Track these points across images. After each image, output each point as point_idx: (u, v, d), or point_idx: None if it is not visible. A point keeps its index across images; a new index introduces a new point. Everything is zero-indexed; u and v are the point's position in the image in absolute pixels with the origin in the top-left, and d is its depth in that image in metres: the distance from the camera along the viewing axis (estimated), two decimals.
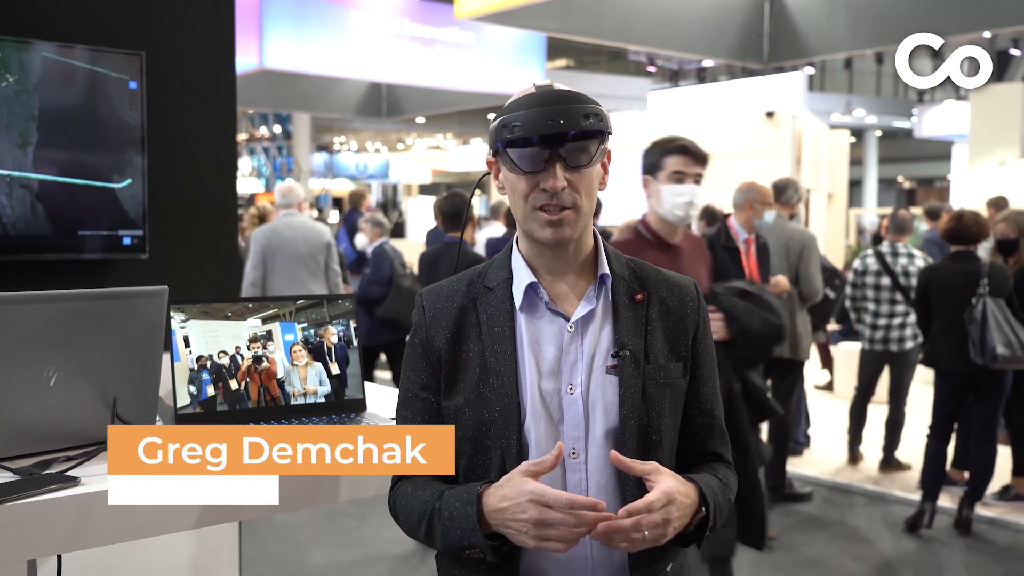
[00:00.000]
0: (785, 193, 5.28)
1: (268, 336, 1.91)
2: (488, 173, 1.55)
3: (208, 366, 1.84)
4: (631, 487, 1.39)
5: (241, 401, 1.86)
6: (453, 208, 5.09)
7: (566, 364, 1.42)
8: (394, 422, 1.86)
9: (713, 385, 1.53)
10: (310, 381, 1.93)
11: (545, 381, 1.42)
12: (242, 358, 1.87)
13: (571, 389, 1.42)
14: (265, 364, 1.89)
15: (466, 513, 1.32)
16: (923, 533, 4.80)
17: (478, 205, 24.84)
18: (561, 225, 1.40)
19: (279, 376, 1.90)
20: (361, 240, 8.19)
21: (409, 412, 1.50)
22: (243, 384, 1.87)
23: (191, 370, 1.83)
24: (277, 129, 27.75)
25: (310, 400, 1.92)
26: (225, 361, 1.86)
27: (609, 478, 1.41)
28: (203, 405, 1.83)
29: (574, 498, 1.28)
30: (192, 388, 1.82)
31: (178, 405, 1.82)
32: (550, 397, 1.42)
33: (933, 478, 4.84)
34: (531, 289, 1.45)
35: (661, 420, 1.44)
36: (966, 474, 5.12)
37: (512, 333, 1.44)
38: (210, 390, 1.84)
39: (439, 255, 5.05)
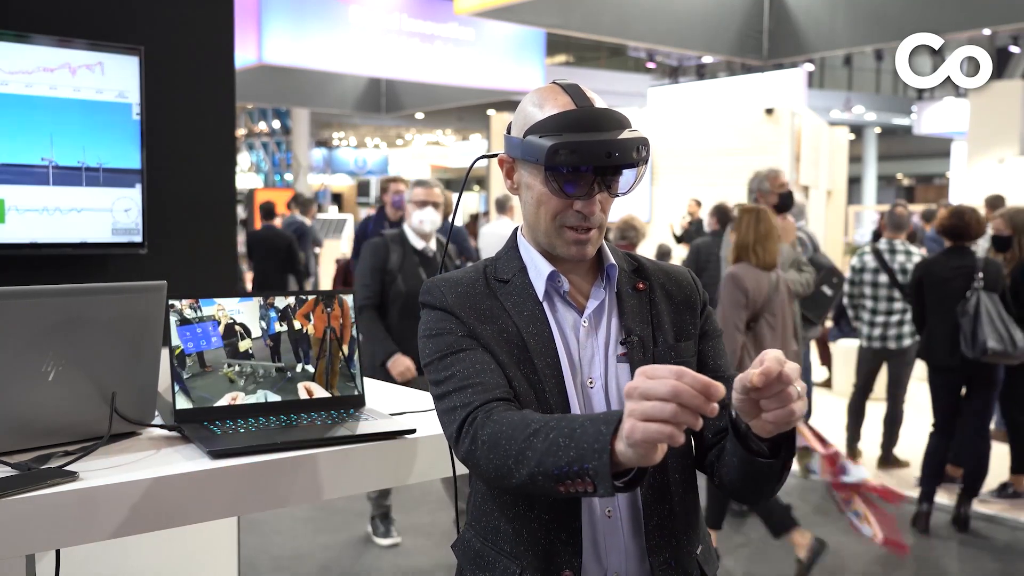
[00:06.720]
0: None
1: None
2: (474, 164, 1.56)
3: (276, 304, 1.88)
4: (647, 485, 1.39)
5: (303, 342, 1.88)
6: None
7: (584, 357, 1.43)
8: (389, 417, 1.88)
9: (727, 360, 1.53)
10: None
11: (571, 373, 1.42)
12: (303, 300, 1.90)
13: (591, 382, 1.42)
14: (332, 309, 1.92)
15: (596, 432, 1.13)
16: (921, 530, 4.81)
17: (476, 201, 24.85)
18: (586, 244, 1.42)
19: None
20: None
21: (458, 367, 1.37)
22: (309, 318, 1.89)
23: (261, 307, 1.87)
24: (276, 124, 27.73)
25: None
26: (291, 300, 1.89)
27: None
28: (272, 339, 1.86)
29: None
30: (263, 324, 1.87)
31: (255, 335, 1.84)
32: (580, 389, 1.42)
33: (931, 475, 4.84)
34: (551, 279, 1.45)
35: None
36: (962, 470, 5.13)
37: (545, 316, 1.43)
38: (278, 326, 1.87)
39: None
